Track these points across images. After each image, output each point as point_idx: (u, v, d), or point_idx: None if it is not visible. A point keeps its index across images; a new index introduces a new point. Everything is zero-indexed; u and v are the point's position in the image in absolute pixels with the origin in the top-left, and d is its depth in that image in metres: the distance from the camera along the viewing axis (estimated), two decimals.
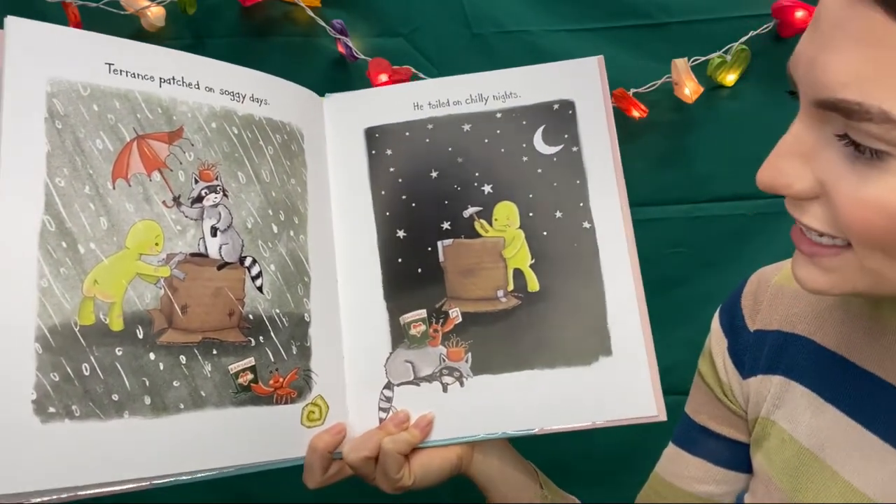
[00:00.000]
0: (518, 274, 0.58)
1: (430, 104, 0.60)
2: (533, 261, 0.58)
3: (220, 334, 0.51)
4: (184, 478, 0.48)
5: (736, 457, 0.58)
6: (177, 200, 0.51)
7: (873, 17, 0.33)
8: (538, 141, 0.59)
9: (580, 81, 0.59)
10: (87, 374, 0.45)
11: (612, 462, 0.90)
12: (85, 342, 0.46)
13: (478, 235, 0.59)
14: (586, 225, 0.58)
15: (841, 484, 0.47)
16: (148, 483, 0.47)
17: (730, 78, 0.87)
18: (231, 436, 0.50)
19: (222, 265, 0.52)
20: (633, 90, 0.86)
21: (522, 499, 0.60)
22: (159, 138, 0.51)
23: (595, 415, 0.55)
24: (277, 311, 0.54)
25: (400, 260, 0.58)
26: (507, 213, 0.59)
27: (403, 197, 0.59)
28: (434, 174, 0.60)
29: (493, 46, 0.88)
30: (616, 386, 0.55)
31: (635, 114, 0.87)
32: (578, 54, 0.60)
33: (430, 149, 0.60)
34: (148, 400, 0.47)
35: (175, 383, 0.48)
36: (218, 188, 0.53)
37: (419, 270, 0.58)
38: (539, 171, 0.59)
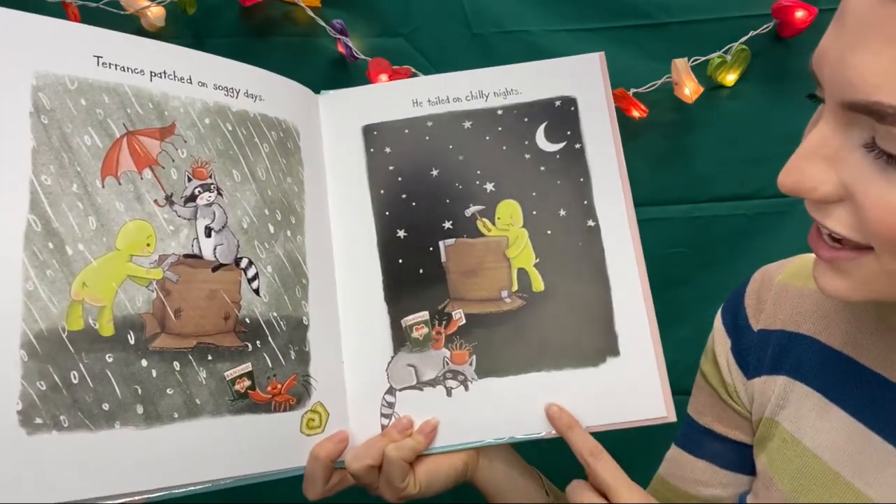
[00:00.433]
0: (522, 274, 0.57)
1: (429, 101, 0.60)
2: (537, 260, 0.57)
3: (215, 339, 0.49)
4: (178, 491, 0.46)
5: (742, 459, 0.58)
6: (169, 199, 0.49)
7: None
8: (540, 138, 0.59)
9: (582, 78, 0.59)
10: (75, 382, 0.43)
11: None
12: (73, 348, 0.44)
13: (480, 235, 0.58)
14: (591, 223, 0.57)
15: (843, 486, 0.46)
16: (141, 497, 0.45)
17: (730, 78, 0.87)
18: (228, 446, 0.48)
19: (217, 267, 0.50)
20: (633, 90, 0.87)
21: None
22: (150, 134, 0.49)
23: (604, 417, 0.55)
24: (275, 314, 0.52)
25: (400, 261, 0.57)
26: (510, 212, 0.58)
27: (403, 196, 0.58)
28: (434, 172, 0.59)
29: (493, 46, 0.88)
30: (625, 387, 0.55)
31: (635, 114, 0.87)
32: (578, 54, 0.60)
33: (430, 146, 0.59)
34: (140, 409, 0.45)
35: (169, 391, 0.47)
36: (212, 186, 0.51)
37: (420, 271, 0.57)
38: (542, 168, 0.58)
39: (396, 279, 0.57)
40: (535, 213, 0.58)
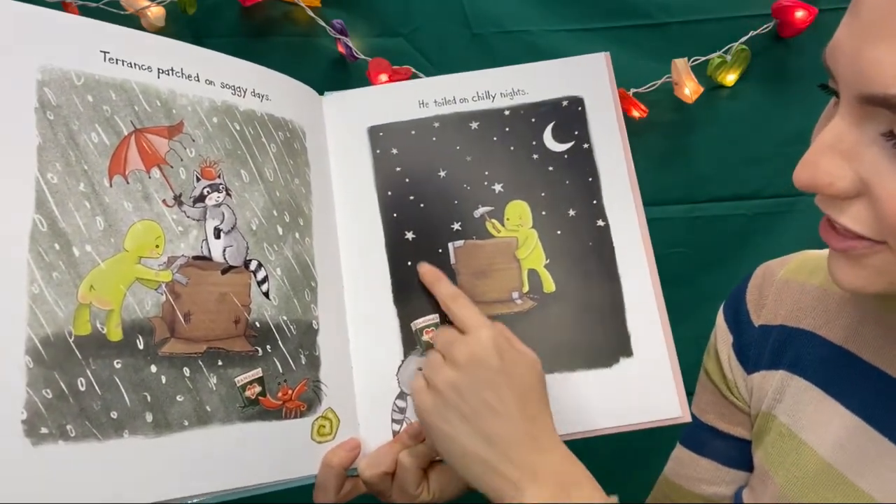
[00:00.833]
0: (533, 275, 0.57)
1: (435, 102, 0.59)
2: (547, 261, 0.57)
3: (225, 343, 0.47)
4: (189, 501, 0.44)
5: (744, 456, 0.57)
6: (178, 199, 0.48)
7: None
8: (548, 138, 0.59)
9: (588, 78, 0.59)
10: (82, 389, 0.42)
11: (618, 464, 0.89)
12: (80, 354, 0.42)
13: (490, 236, 0.57)
14: (600, 223, 0.57)
15: (837, 480, 0.46)
16: None
17: (730, 78, 0.87)
18: (239, 454, 0.47)
19: (227, 269, 0.49)
20: (633, 90, 0.87)
21: None
22: (158, 132, 0.47)
23: (618, 418, 0.54)
24: (285, 318, 0.51)
25: (409, 263, 0.56)
26: (519, 213, 0.57)
27: (411, 197, 0.57)
28: (442, 173, 0.58)
29: (493, 46, 0.88)
30: (638, 387, 0.54)
31: (635, 114, 0.87)
32: (579, 54, 0.59)
33: (437, 147, 0.58)
34: (150, 417, 0.44)
35: (178, 398, 0.45)
36: (221, 187, 0.49)
37: None
38: (550, 168, 0.58)
39: (405, 282, 0.56)
40: (544, 213, 0.57)
